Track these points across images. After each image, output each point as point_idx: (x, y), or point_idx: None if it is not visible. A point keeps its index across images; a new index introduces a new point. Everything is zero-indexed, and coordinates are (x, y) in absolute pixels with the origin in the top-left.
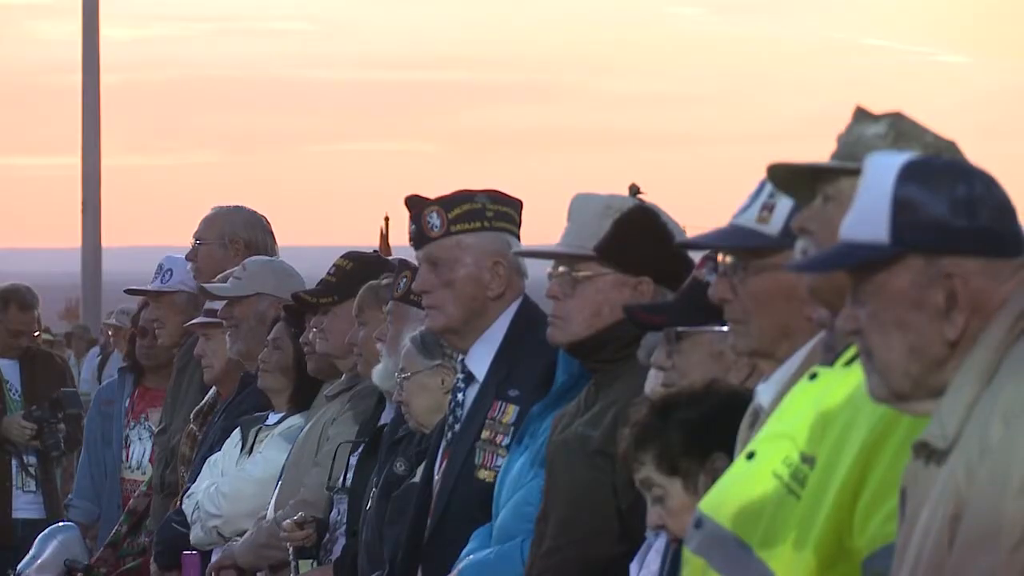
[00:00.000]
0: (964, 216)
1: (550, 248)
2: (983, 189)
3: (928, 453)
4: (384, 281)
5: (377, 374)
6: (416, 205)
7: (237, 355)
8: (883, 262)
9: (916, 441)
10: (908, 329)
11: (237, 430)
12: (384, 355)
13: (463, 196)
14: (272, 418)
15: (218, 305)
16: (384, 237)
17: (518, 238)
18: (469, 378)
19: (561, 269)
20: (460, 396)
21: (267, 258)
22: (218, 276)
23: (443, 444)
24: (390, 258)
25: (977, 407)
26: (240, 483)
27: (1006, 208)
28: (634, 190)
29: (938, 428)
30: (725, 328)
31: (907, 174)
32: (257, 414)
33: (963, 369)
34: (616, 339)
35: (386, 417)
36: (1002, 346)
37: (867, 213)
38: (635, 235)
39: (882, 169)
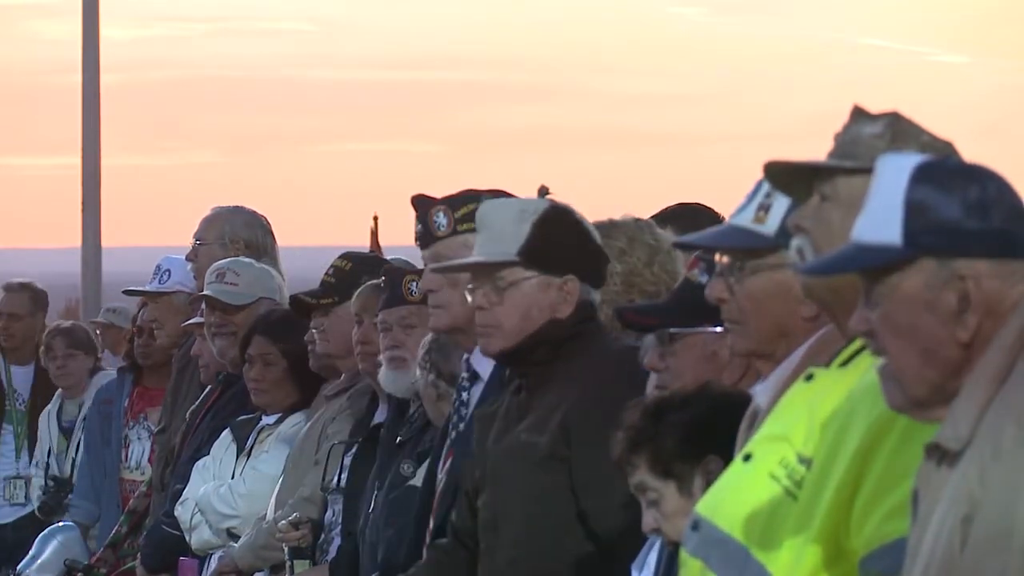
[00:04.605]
0: (977, 218)
1: (472, 260)
2: (996, 191)
3: (940, 455)
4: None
5: (382, 375)
6: (422, 205)
7: (231, 363)
8: (895, 264)
9: (929, 443)
10: (920, 331)
11: (226, 432)
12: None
13: (469, 196)
14: (270, 419)
15: None
16: (374, 235)
17: None
18: (474, 377)
19: (471, 286)
20: (465, 395)
21: (250, 260)
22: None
23: (447, 443)
24: (392, 259)
25: (990, 409)
26: (257, 482)
27: (1019, 210)
28: (544, 191)
29: (951, 430)
30: (718, 329)
31: (920, 176)
32: (248, 416)
33: (976, 371)
34: (547, 341)
35: (379, 416)
36: (1015, 348)
37: (879, 215)
38: (556, 235)
39: (894, 171)
